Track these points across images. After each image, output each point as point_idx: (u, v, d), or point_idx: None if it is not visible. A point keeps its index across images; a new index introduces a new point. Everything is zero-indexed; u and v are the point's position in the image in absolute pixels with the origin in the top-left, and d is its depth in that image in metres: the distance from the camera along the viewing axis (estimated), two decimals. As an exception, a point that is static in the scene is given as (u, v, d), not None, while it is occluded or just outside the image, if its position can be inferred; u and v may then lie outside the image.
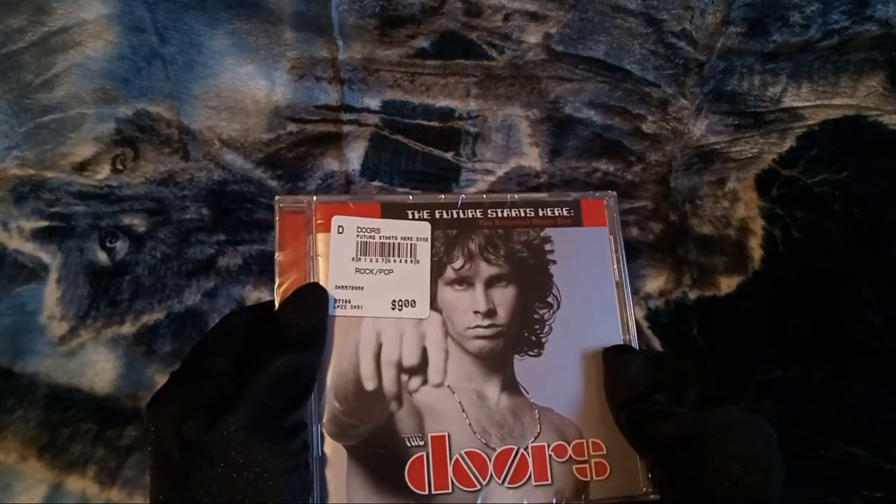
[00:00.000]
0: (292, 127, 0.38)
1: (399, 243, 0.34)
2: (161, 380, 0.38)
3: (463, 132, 0.40)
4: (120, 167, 0.38)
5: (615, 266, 0.36)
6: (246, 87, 0.37)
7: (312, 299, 0.32)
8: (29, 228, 0.37)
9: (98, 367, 0.38)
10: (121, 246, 0.38)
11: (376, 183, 0.40)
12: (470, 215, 0.35)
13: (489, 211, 0.36)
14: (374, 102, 0.39)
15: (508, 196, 0.36)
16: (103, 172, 0.38)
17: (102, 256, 0.38)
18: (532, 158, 0.41)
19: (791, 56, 0.39)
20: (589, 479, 0.33)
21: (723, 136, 0.41)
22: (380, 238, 0.34)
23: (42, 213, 0.38)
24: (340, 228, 0.33)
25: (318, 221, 0.33)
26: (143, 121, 0.37)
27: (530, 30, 0.37)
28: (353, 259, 0.33)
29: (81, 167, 0.37)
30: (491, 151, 0.40)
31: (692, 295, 0.42)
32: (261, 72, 0.37)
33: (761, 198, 0.42)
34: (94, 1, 0.34)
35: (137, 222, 0.39)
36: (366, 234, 0.34)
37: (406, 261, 0.34)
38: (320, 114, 0.38)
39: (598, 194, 0.37)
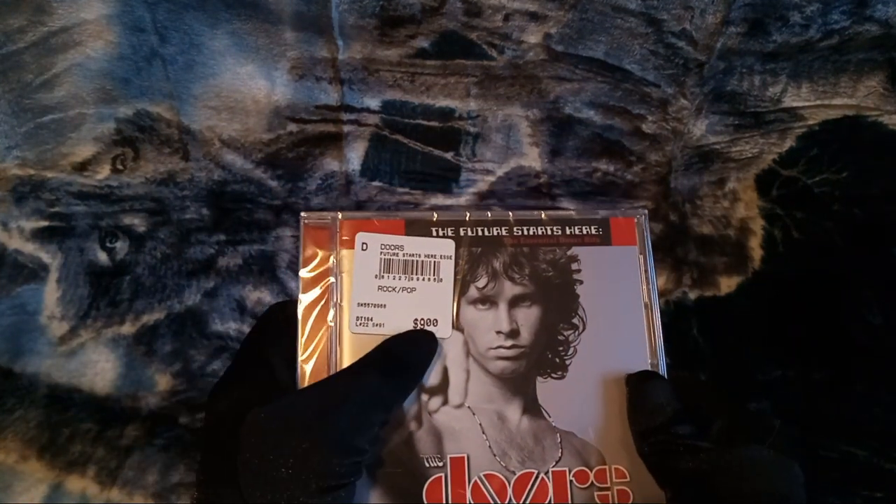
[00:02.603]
0: (292, 127, 0.38)
1: (422, 261, 0.33)
2: (161, 380, 0.38)
3: (463, 132, 0.40)
4: (120, 167, 0.38)
5: (644, 287, 0.35)
6: (246, 87, 0.37)
7: (425, 346, 0.32)
8: (29, 228, 0.38)
9: (98, 367, 0.38)
10: (121, 246, 0.38)
11: (376, 183, 0.40)
12: (495, 233, 0.34)
13: (515, 229, 0.35)
14: (374, 102, 0.39)
15: (535, 213, 0.35)
16: (103, 172, 0.38)
17: (102, 256, 0.38)
18: (532, 158, 0.41)
19: (791, 56, 0.39)
20: None
21: (723, 136, 0.41)
22: (403, 255, 0.33)
23: (42, 213, 0.38)
24: (364, 245, 0.33)
25: (343, 238, 0.33)
26: (143, 121, 0.37)
27: (530, 30, 0.37)
28: (376, 276, 0.33)
29: (81, 167, 0.37)
30: (491, 151, 0.40)
31: (692, 295, 0.42)
32: (261, 72, 0.37)
33: (761, 198, 0.42)
34: (94, 1, 0.34)
35: (137, 222, 0.39)
36: (389, 251, 0.33)
37: (429, 279, 0.33)
38: (320, 114, 0.38)
39: (628, 212, 0.36)
